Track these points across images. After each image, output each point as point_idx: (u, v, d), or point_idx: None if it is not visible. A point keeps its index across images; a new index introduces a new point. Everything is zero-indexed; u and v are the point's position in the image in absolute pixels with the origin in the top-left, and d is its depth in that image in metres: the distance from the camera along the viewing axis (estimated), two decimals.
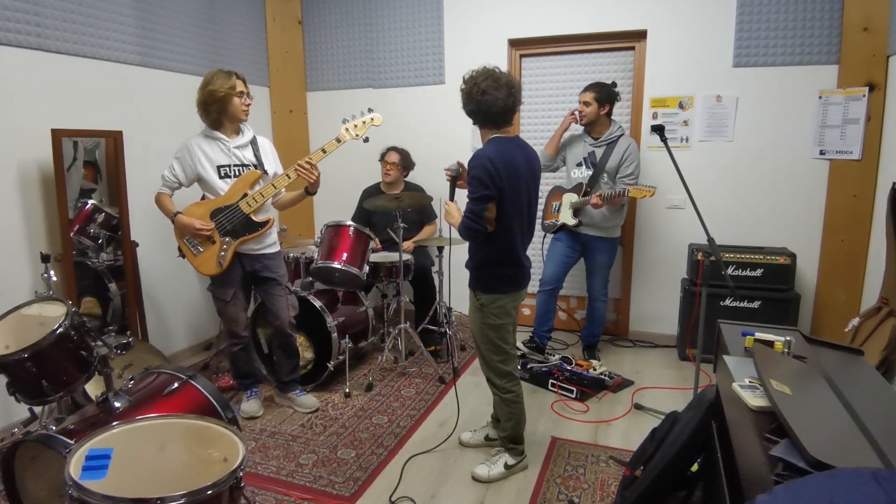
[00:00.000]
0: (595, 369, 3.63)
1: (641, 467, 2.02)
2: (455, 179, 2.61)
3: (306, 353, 3.54)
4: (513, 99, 2.37)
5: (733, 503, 1.44)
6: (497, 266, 2.45)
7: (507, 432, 2.63)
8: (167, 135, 3.58)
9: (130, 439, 1.65)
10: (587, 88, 3.62)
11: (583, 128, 3.76)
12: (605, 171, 3.60)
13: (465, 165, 2.59)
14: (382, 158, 4.26)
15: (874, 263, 3.52)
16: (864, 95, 3.53)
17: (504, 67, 3.72)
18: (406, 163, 4.28)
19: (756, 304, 3.69)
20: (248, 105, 2.90)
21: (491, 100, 2.33)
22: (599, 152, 3.64)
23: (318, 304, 3.47)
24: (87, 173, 3.33)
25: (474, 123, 2.46)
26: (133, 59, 3.56)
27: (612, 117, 3.67)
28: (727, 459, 1.57)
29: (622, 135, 3.63)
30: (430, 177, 4.42)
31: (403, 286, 3.98)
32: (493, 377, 2.60)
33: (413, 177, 4.44)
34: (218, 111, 2.84)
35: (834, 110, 3.64)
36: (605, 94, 3.57)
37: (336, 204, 4.80)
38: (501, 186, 2.31)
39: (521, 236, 2.48)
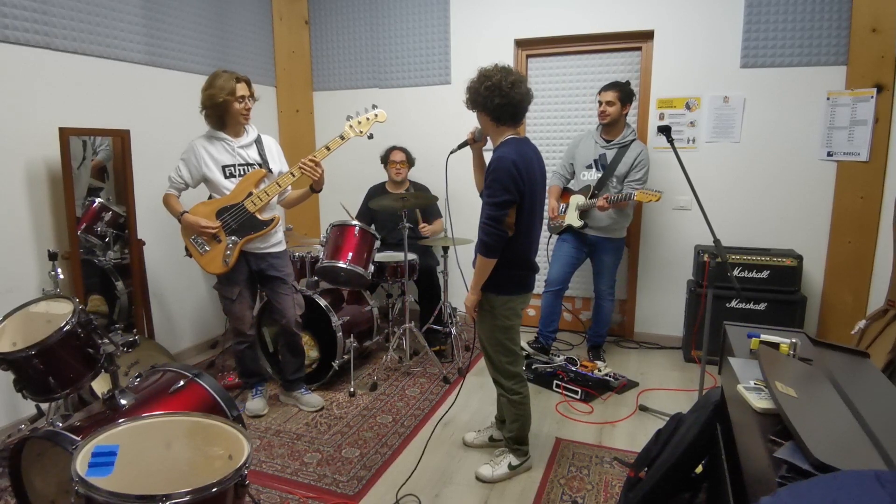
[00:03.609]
0: (600, 370, 3.62)
1: (646, 469, 2.01)
2: (474, 143, 2.58)
3: (311, 352, 3.55)
4: (531, 97, 2.39)
5: None
6: (511, 268, 2.41)
7: (513, 433, 2.63)
8: (174, 134, 3.61)
9: (136, 436, 1.65)
10: (609, 88, 3.55)
11: (598, 128, 3.71)
12: (615, 175, 3.58)
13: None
14: (388, 160, 4.26)
15: (881, 266, 3.50)
16: (872, 97, 3.51)
17: None
18: (409, 159, 4.30)
19: (762, 306, 3.68)
20: (249, 110, 2.91)
21: (521, 93, 2.31)
22: (610, 154, 3.61)
23: (323, 303, 3.48)
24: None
25: (492, 120, 2.36)
26: (140, 59, 3.58)
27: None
28: (731, 461, 1.56)
29: (635, 139, 3.60)
30: (436, 177, 4.42)
31: (408, 286, 3.99)
32: (500, 379, 2.60)
33: (419, 177, 4.45)
34: (217, 115, 2.87)
35: (842, 111, 3.62)
36: (626, 94, 3.53)
37: (341, 203, 4.81)
38: (523, 190, 2.29)
39: (535, 238, 2.48)
